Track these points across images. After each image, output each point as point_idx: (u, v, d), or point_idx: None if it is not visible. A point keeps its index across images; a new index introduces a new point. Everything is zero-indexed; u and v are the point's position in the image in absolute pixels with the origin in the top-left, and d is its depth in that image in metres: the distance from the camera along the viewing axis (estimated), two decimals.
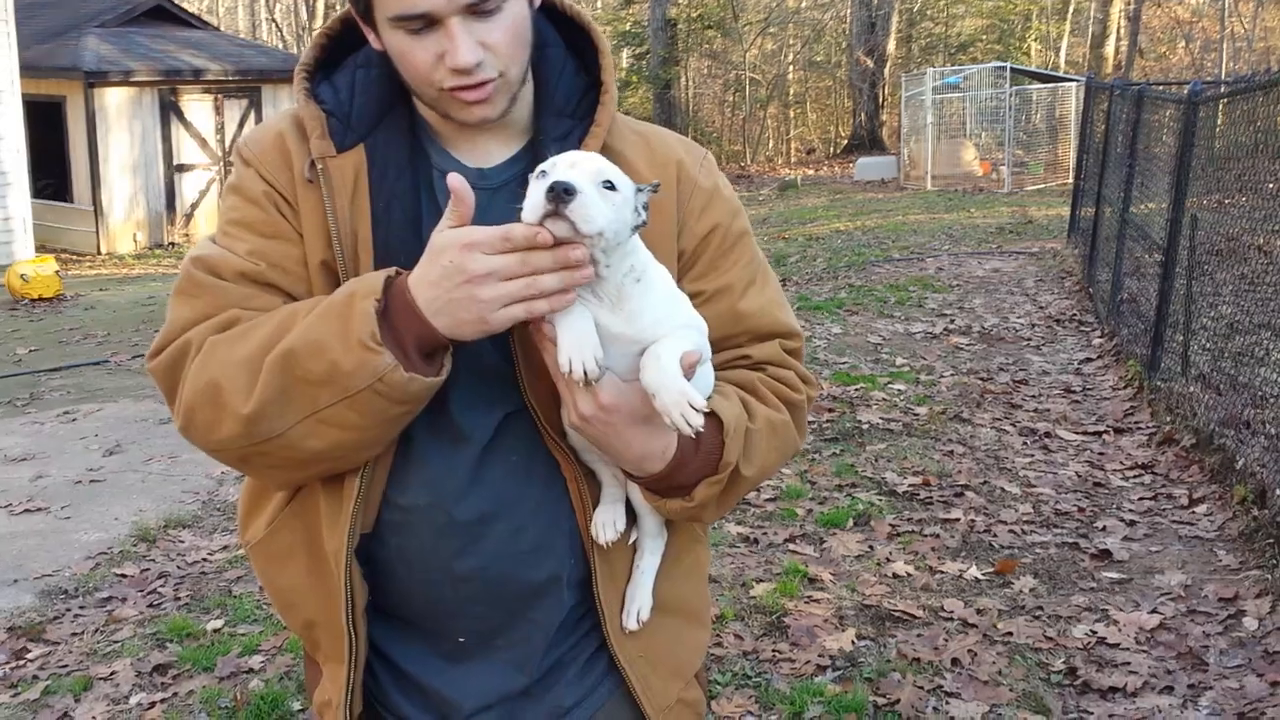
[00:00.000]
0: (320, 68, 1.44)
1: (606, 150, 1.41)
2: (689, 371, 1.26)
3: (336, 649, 1.42)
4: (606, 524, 1.42)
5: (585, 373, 1.23)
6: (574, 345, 1.23)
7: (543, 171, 1.22)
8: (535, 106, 1.42)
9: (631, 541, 1.46)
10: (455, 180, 1.24)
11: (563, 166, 1.22)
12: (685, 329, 1.29)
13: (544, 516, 1.41)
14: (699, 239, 1.45)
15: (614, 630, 1.45)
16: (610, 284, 1.26)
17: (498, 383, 1.37)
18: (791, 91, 35.69)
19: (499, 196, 1.39)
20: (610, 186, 1.21)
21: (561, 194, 1.17)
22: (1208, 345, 6.66)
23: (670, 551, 1.49)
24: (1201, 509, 4.92)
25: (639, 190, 1.25)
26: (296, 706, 3.57)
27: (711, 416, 1.32)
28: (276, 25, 35.34)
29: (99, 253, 15.79)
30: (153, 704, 3.65)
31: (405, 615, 1.45)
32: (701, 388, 1.33)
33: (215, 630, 4.13)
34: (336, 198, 1.35)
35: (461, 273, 1.21)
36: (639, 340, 1.27)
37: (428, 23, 1.27)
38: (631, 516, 1.45)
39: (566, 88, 1.43)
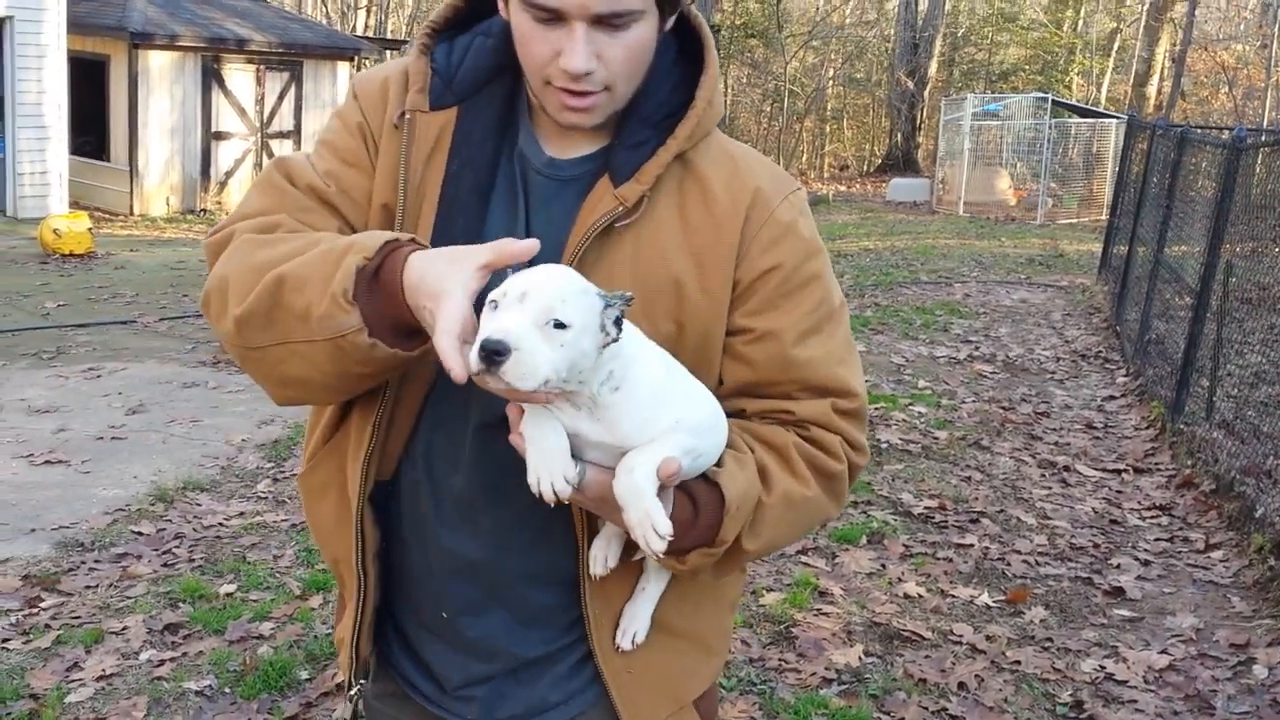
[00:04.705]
0: (449, 27, 1.46)
1: (686, 166, 1.39)
2: (667, 482, 1.20)
3: (352, 589, 1.47)
4: (598, 558, 1.38)
5: (555, 493, 1.18)
6: (543, 465, 1.18)
7: (493, 303, 1.13)
8: (626, 109, 1.38)
9: (638, 558, 1.40)
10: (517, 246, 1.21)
11: (511, 298, 1.12)
12: (672, 432, 1.21)
13: (542, 513, 1.37)
14: (758, 274, 1.38)
15: (600, 641, 1.43)
16: (585, 395, 1.19)
17: None
18: (829, 106, 35.67)
19: (567, 189, 1.38)
20: (560, 325, 1.10)
21: (492, 356, 1.09)
22: (1233, 393, 6.64)
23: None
24: (1217, 554, 4.90)
25: (608, 305, 1.15)
26: (304, 675, 3.59)
27: (716, 489, 1.29)
28: (322, 0, 35.43)
29: (131, 213, 15.86)
30: (162, 661, 3.68)
31: (404, 575, 1.48)
32: (694, 468, 1.26)
33: (228, 594, 4.16)
34: (414, 150, 1.39)
35: (433, 298, 1.19)
36: (622, 445, 1.21)
37: (555, 17, 1.27)
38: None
39: (661, 98, 1.39)
